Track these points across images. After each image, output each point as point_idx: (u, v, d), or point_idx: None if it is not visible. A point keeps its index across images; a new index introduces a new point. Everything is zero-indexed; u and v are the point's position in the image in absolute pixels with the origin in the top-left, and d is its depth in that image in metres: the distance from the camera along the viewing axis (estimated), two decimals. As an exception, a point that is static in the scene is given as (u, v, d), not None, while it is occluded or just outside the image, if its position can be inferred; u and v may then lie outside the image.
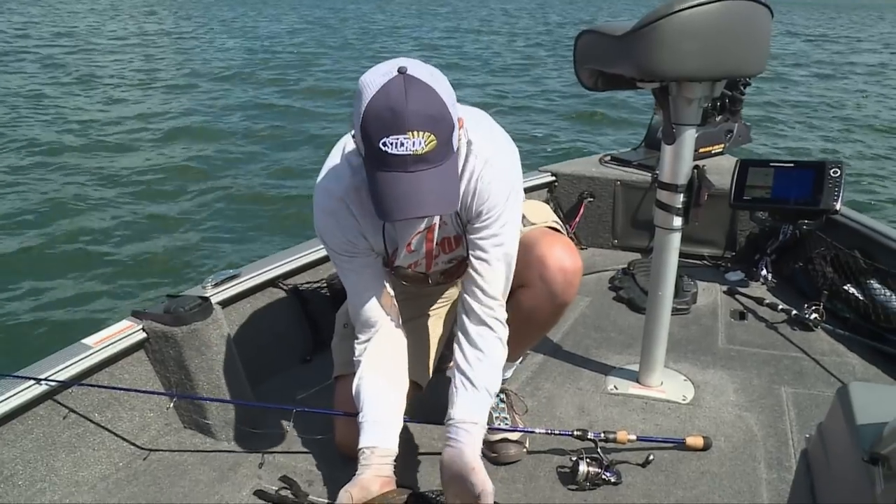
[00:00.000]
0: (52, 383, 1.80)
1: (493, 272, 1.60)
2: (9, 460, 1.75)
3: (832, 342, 2.56)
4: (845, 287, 2.68)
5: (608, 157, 3.56)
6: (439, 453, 1.60)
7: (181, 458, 1.98)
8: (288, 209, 6.58)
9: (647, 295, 2.21)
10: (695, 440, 1.95)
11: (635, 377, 2.30)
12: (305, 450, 2.00)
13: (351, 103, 1.35)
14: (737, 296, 2.93)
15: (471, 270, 1.61)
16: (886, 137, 10.73)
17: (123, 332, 1.99)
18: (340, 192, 1.55)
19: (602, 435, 1.87)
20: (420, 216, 1.41)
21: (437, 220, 1.63)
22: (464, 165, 1.52)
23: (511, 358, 1.90)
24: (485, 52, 21.15)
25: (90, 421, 1.92)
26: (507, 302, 1.67)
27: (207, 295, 2.14)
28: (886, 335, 2.47)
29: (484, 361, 1.62)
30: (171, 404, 2.06)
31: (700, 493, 1.80)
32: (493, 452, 1.90)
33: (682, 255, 2.13)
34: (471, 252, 1.61)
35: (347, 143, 1.56)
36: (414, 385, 1.85)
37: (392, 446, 1.64)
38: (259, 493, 1.81)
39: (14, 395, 1.74)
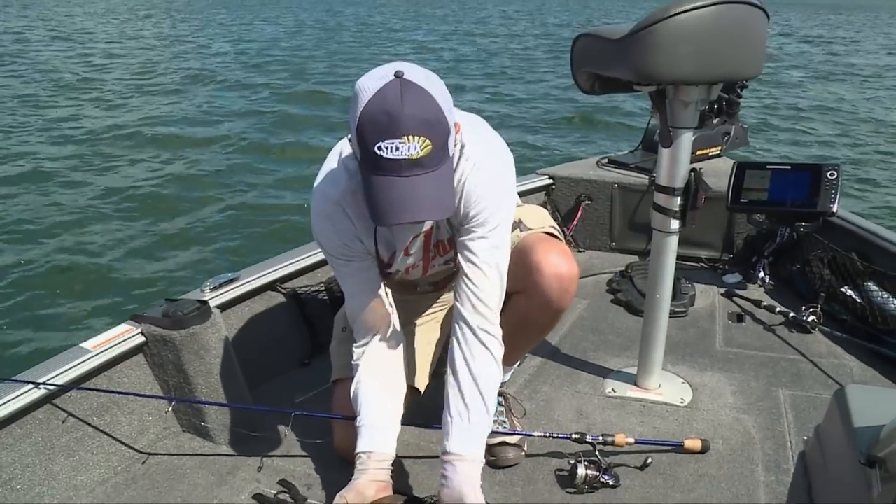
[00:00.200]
0: (51, 387, 1.80)
1: (486, 279, 1.57)
2: (7, 464, 1.75)
3: (830, 344, 2.57)
4: (842, 289, 2.68)
5: (605, 160, 3.56)
6: (435, 457, 1.61)
7: (180, 462, 1.98)
8: (286, 214, 6.57)
9: (644, 298, 2.21)
10: (693, 443, 1.95)
11: (633, 380, 2.31)
12: (304, 453, 2.00)
13: (348, 108, 1.35)
14: (734, 298, 2.94)
15: (463, 278, 1.59)
16: (883, 140, 10.75)
17: (122, 335, 2.00)
18: (337, 195, 1.55)
19: (600, 438, 1.88)
20: (414, 221, 1.40)
21: (432, 223, 1.63)
22: (455, 168, 1.52)
23: (508, 362, 1.90)
24: (482, 55, 21.17)
25: (89, 425, 1.92)
26: (503, 306, 1.65)
27: (206, 298, 2.14)
28: (883, 337, 2.48)
29: (479, 390, 1.58)
30: (170, 408, 2.06)
31: (698, 495, 1.81)
32: (491, 456, 1.90)
33: (679, 257, 2.13)
34: (461, 257, 1.59)
35: (344, 148, 1.57)
36: (412, 390, 1.85)
37: (389, 450, 1.64)
38: (258, 497, 1.81)
39: (13, 399, 1.74)
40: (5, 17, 30.90)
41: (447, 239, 1.68)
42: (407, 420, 1.78)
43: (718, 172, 3.07)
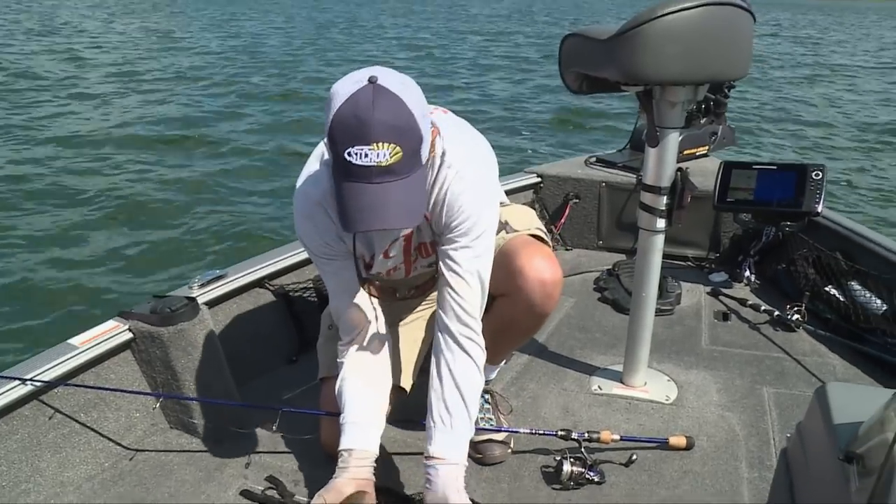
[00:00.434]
0: (38, 383, 1.80)
1: (468, 288, 1.57)
2: None
3: (814, 343, 2.59)
4: (827, 288, 2.71)
5: (593, 159, 3.58)
6: (421, 454, 1.62)
7: (167, 459, 1.98)
8: (274, 211, 6.57)
9: (631, 296, 2.23)
10: (678, 440, 1.97)
11: (619, 377, 2.32)
12: (291, 450, 2.00)
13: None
14: (720, 297, 2.96)
15: (445, 287, 1.58)
16: (868, 141, 10.82)
17: (110, 332, 1.99)
18: (318, 196, 1.55)
19: (586, 435, 1.89)
20: (382, 229, 1.40)
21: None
22: (436, 176, 1.52)
23: (493, 362, 1.91)
24: (470, 53, 21.17)
25: (76, 421, 1.92)
26: (487, 309, 1.66)
27: (194, 295, 2.14)
28: (866, 336, 2.50)
29: (462, 396, 1.59)
30: (158, 404, 2.06)
31: (683, 492, 1.82)
32: (477, 453, 1.91)
33: (666, 256, 2.15)
34: (442, 265, 1.58)
35: (325, 149, 1.57)
36: (399, 389, 1.86)
37: (371, 447, 1.64)
38: (245, 493, 1.82)
39: None
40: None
41: (429, 242, 1.67)
42: (394, 418, 1.79)
43: (706, 172, 3.09)
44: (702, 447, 1.99)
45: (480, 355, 1.63)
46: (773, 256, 3.04)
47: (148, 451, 2.01)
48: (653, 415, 2.16)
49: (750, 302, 2.84)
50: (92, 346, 1.93)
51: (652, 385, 2.30)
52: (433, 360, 1.64)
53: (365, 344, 1.71)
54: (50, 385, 1.84)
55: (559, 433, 1.89)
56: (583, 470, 1.81)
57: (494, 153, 1.68)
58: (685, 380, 2.35)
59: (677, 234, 3.08)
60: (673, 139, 1.94)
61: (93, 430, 1.95)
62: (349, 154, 1.26)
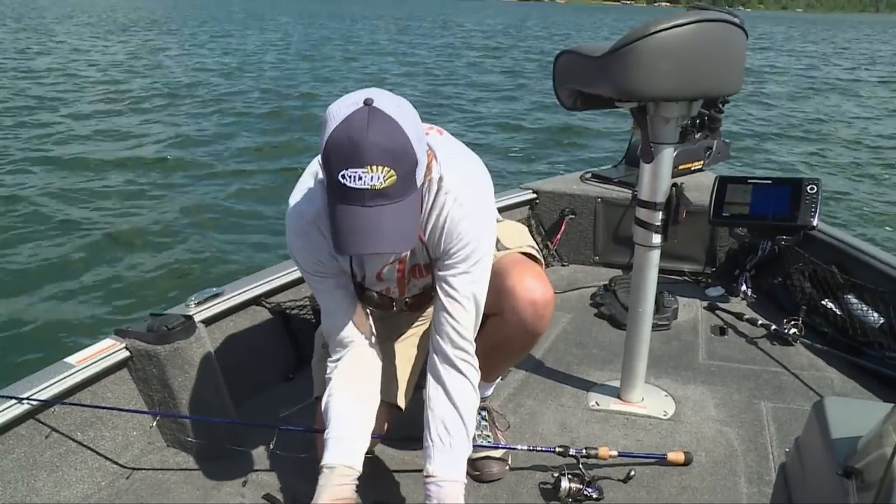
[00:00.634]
0: (34, 402, 1.79)
1: (464, 313, 1.58)
2: None
3: (811, 357, 2.59)
4: (823, 302, 2.72)
5: (589, 175, 3.59)
6: (419, 470, 1.61)
7: (164, 477, 1.98)
8: (269, 229, 6.57)
9: (628, 311, 2.23)
10: (676, 455, 1.96)
11: (617, 393, 2.32)
12: (288, 468, 2.00)
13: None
14: (717, 311, 2.96)
15: (441, 311, 1.58)
16: (861, 154, 10.87)
17: (106, 350, 1.99)
18: (312, 214, 1.54)
19: (584, 451, 1.89)
20: (375, 252, 1.38)
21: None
22: (433, 201, 1.51)
23: (488, 379, 1.90)
24: (464, 69, 21.26)
25: (72, 440, 1.91)
26: (480, 328, 1.65)
27: (190, 313, 2.14)
28: (864, 349, 2.51)
29: (460, 416, 1.60)
30: (154, 423, 2.05)
31: None
32: (475, 470, 1.90)
33: (662, 271, 2.15)
34: (439, 289, 1.58)
35: (319, 167, 1.56)
36: (394, 406, 1.85)
37: (354, 464, 1.62)
38: (242, 512, 1.81)
39: None
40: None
41: (424, 264, 1.67)
42: (391, 435, 1.78)
43: (701, 186, 3.10)
44: (700, 462, 1.99)
45: (475, 375, 1.64)
46: (770, 270, 3.05)
47: (145, 469, 2.00)
48: (651, 430, 2.16)
49: (747, 316, 2.85)
50: (89, 365, 1.93)
51: (649, 400, 2.29)
52: (428, 380, 1.64)
53: (355, 360, 1.69)
54: (46, 404, 1.83)
55: (557, 449, 1.89)
56: (581, 486, 1.81)
57: (489, 170, 1.69)
58: (683, 395, 2.35)
59: (673, 249, 3.09)
60: (667, 154, 1.95)
61: (89, 448, 1.94)
62: (343, 176, 1.25)
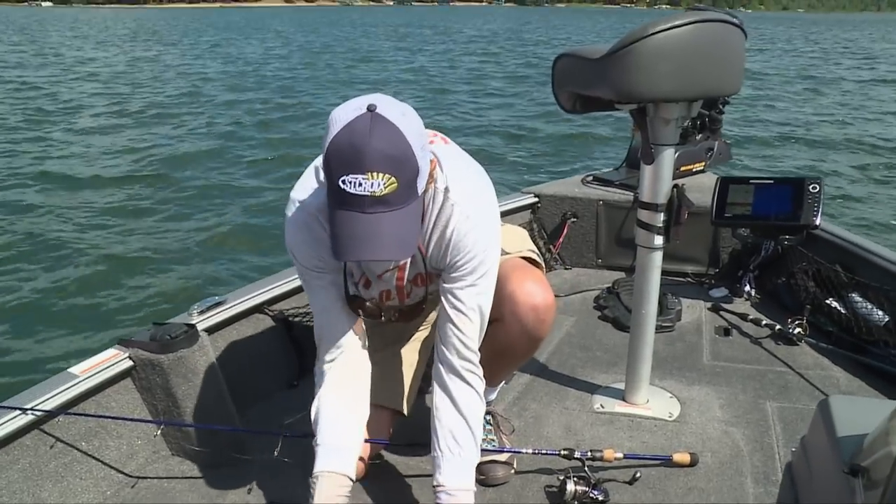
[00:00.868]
0: (39, 413, 1.79)
1: (470, 325, 1.57)
2: None
3: (816, 356, 2.58)
4: (827, 301, 2.71)
5: (590, 178, 3.59)
6: (425, 475, 1.61)
7: (169, 486, 1.97)
8: (271, 239, 6.57)
9: (631, 313, 2.23)
10: (681, 456, 1.96)
11: (621, 395, 2.31)
12: (293, 475, 1.99)
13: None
14: (721, 312, 2.95)
15: (447, 323, 1.58)
16: (864, 153, 10.86)
17: (110, 360, 1.99)
18: (314, 207, 1.51)
19: (589, 454, 1.88)
20: (373, 259, 1.38)
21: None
22: (439, 213, 1.50)
23: (492, 384, 1.90)
24: (465, 75, 21.28)
25: (77, 450, 1.91)
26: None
27: (193, 322, 2.14)
28: (869, 348, 2.50)
29: (468, 425, 1.60)
30: (159, 432, 2.05)
31: None
32: (481, 474, 1.89)
33: (665, 272, 2.15)
34: (445, 301, 1.57)
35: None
36: (397, 413, 1.84)
37: (346, 471, 1.60)
38: (247, 520, 1.81)
39: (0, 425, 1.73)
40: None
41: (425, 273, 1.66)
42: (396, 441, 1.77)
43: (703, 188, 3.10)
44: (706, 463, 1.98)
45: (481, 385, 1.64)
46: (773, 270, 3.04)
47: (150, 478, 2.00)
48: (656, 432, 2.15)
49: (751, 316, 2.84)
50: (92, 375, 1.93)
51: (654, 402, 2.29)
52: (435, 391, 1.63)
53: (348, 363, 1.66)
54: (51, 414, 1.83)
55: (562, 452, 1.89)
56: (586, 489, 1.80)
57: (490, 176, 1.68)
58: (688, 396, 2.34)
59: (676, 251, 3.08)
60: (668, 156, 1.95)
61: (94, 458, 1.94)
62: (343, 182, 1.24)
